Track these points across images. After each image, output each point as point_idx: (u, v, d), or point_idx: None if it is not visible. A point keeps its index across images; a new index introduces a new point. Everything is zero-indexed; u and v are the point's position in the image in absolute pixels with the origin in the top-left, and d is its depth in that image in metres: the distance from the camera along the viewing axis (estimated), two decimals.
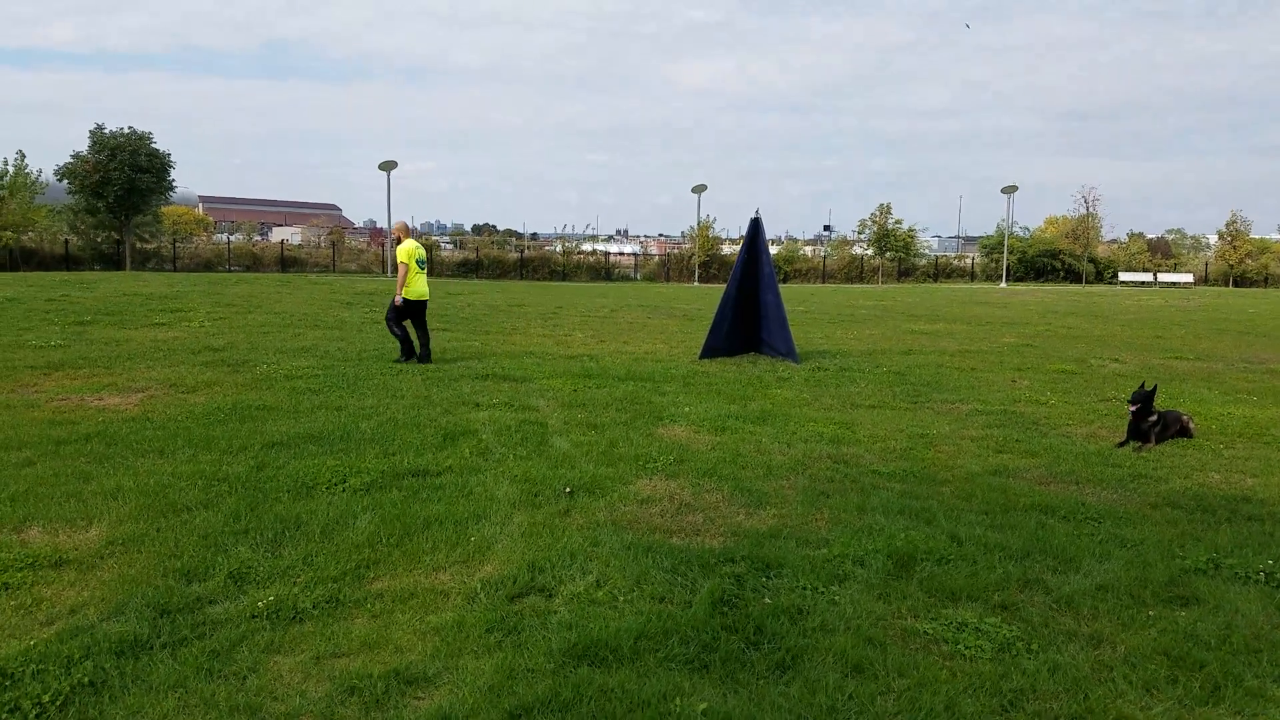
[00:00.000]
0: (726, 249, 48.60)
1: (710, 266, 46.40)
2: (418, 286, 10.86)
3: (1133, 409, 7.53)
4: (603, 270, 48.42)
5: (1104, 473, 6.65)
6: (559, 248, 51.79)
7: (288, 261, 43.11)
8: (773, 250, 59.29)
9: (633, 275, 48.66)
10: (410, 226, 12.23)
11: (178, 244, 41.21)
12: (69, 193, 35.53)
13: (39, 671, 3.20)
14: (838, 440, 7.45)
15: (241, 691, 3.20)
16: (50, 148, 63.70)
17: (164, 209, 46.84)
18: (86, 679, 3.18)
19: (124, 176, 34.01)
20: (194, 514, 4.98)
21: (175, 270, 37.10)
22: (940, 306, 26.06)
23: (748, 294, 12.94)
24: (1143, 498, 6.03)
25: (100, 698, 3.09)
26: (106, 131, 34.89)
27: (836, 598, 4.16)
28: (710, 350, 12.54)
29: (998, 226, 53.60)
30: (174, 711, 3.05)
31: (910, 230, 50.80)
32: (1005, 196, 49.69)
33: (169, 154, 36.06)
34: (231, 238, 54.89)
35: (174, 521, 4.85)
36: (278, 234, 66.56)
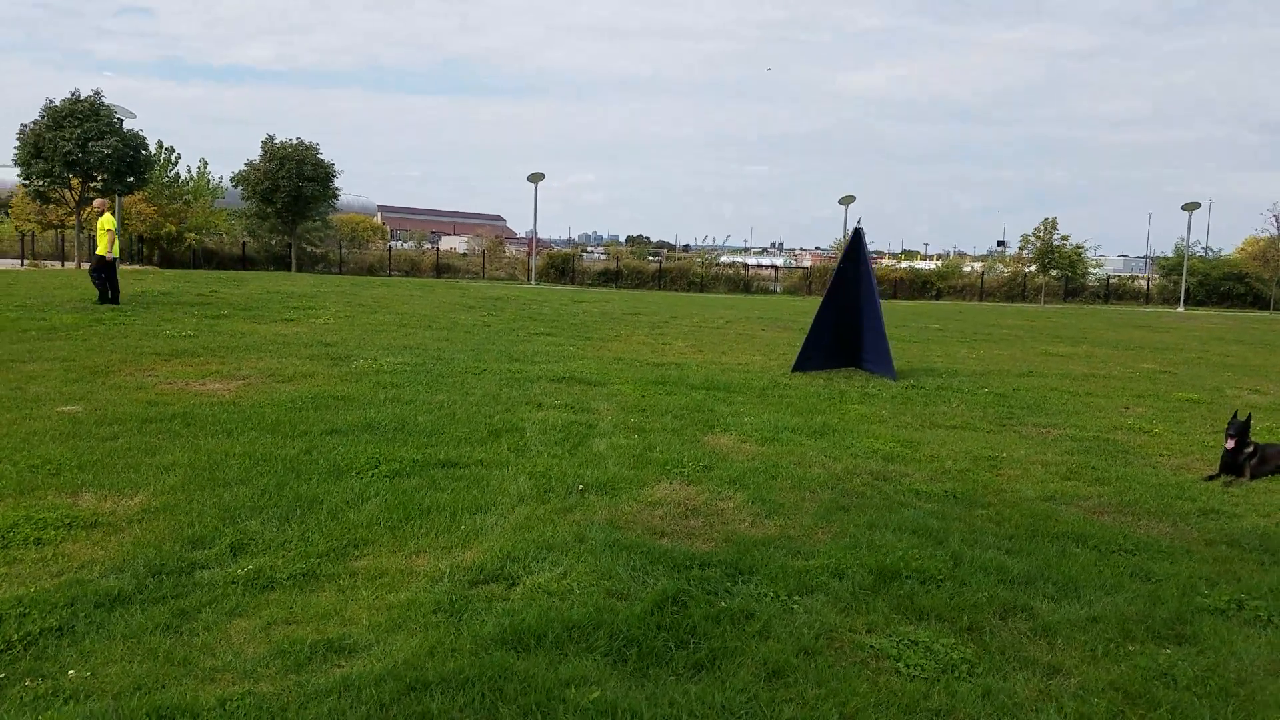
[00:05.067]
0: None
1: None
2: (116, 249, 15.49)
3: (1231, 443, 6.85)
4: (741, 282, 48.23)
5: (1172, 505, 6.11)
6: (700, 260, 52.01)
7: (442, 268, 45.57)
8: (930, 265, 57.77)
9: (773, 288, 48.22)
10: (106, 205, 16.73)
11: (344, 249, 44.38)
12: (242, 198, 39.00)
13: (22, 615, 3.62)
14: (891, 458, 7.19)
15: (184, 646, 3.50)
16: (241, 156, 70.00)
17: (343, 216, 50.71)
18: (57, 624, 3.57)
19: (291, 184, 36.97)
20: (229, 489, 5.43)
21: (341, 273, 39.98)
22: (1093, 329, 24.37)
23: (847, 307, 12.63)
24: (1201, 533, 5.51)
25: (61, 640, 3.46)
26: (277, 142, 38.05)
27: (795, 607, 4.08)
28: (803, 363, 12.31)
29: (1176, 246, 49.50)
30: (119, 657, 3.38)
31: (1077, 247, 47.53)
32: (1186, 214, 45.78)
33: (333, 164, 38.87)
34: (405, 244, 58.58)
35: (207, 494, 5.31)
36: (446, 242, 70.31)
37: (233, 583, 4.10)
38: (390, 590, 4.11)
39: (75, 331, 12.08)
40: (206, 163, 43.80)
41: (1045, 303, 44.16)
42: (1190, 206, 45.47)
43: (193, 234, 38.85)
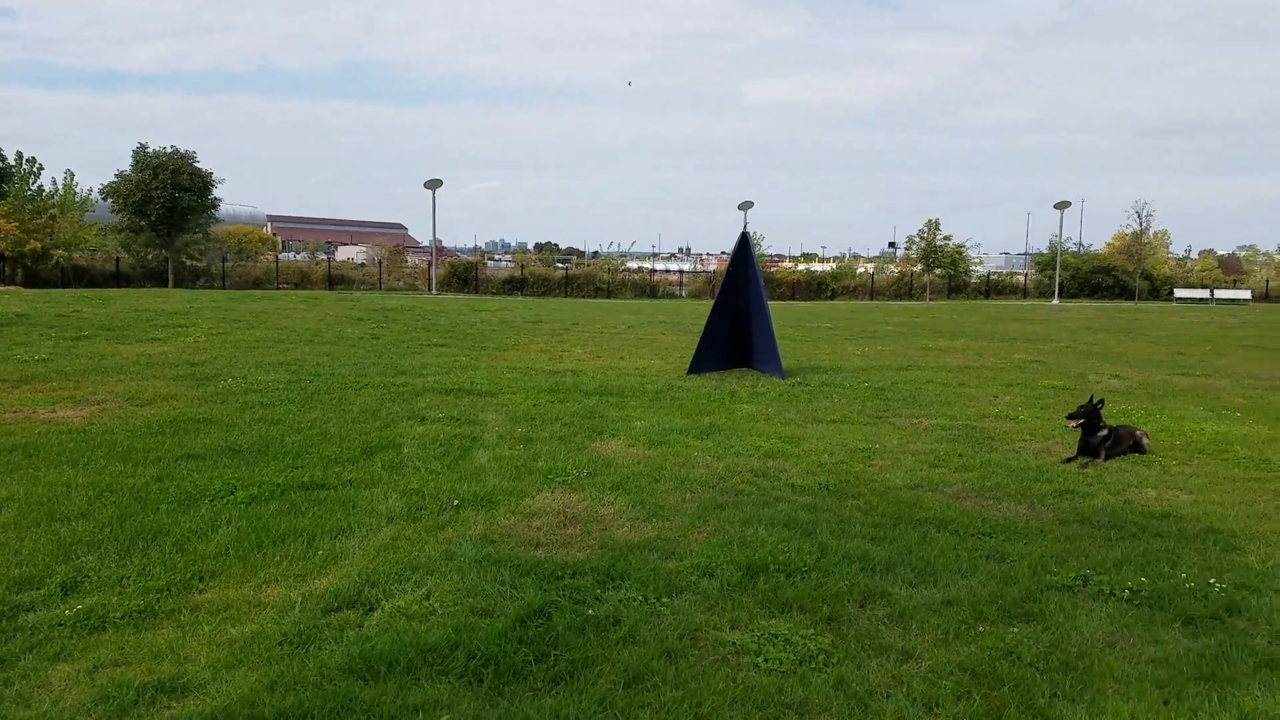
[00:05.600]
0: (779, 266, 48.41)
1: None
2: None
3: (1073, 424, 7.21)
4: (647, 287, 48.47)
5: (1031, 488, 6.37)
6: (606, 266, 52.04)
7: (335, 279, 44.14)
8: (827, 267, 59.36)
9: (678, 292, 48.61)
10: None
11: (226, 262, 42.49)
12: (112, 211, 36.88)
13: None
14: (772, 454, 7.27)
15: None
16: (119, 167, 66.04)
17: (229, 228, 48.50)
18: None
19: (166, 195, 35.15)
20: (66, 523, 5.06)
21: (224, 288, 38.30)
22: (972, 324, 25.44)
23: (737, 310, 12.80)
24: (1055, 513, 5.75)
25: None
26: (149, 151, 36.15)
27: (663, 609, 4.04)
28: (697, 365, 12.40)
29: (1050, 243, 52.27)
30: None
31: (958, 246, 49.60)
32: (1058, 212, 48.39)
33: (212, 172, 37.17)
34: (297, 256, 56.38)
35: (42, 530, 4.93)
36: (344, 253, 68.02)
37: (59, 625, 3.81)
38: (234, 624, 3.88)
39: None
40: (73, 174, 41.36)
41: (931, 300, 45.91)
42: (1061, 205, 48.10)
43: (60, 251, 36.55)
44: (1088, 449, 7.23)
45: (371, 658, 3.51)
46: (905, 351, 16.25)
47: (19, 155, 36.18)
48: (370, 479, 6.14)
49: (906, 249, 51.63)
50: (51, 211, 37.37)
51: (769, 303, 13.00)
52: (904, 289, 49.42)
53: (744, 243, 12.88)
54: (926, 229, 48.62)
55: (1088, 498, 6.15)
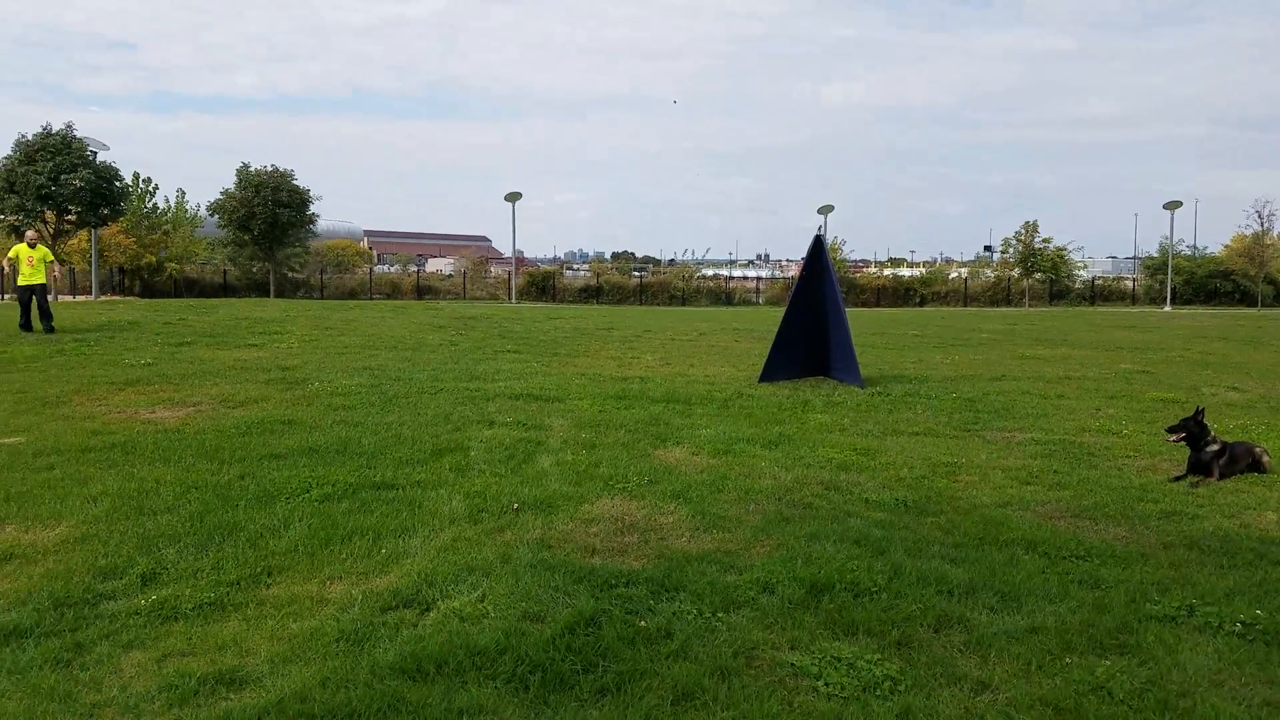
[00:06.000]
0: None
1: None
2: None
3: (1173, 439, 6.72)
4: (723, 294, 48.17)
5: (1133, 508, 5.95)
6: (681, 274, 51.99)
7: (423, 289, 45.36)
8: (915, 272, 57.74)
9: (755, 299, 48.13)
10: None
11: (324, 274, 44.16)
12: (219, 226, 38.82)
13: None
14: (846, 466, 7.03)
15: (70, 681, 3.33)
16: (216, 186, 69.54)
17: (329, 242, 50.56)
18: None
19: (267, 211, 36.77)
20: (153, 517, 5.25)
21: (321, 298, 39.76)
22: (1075, 331, 24.28)
23: (811, 315, 12.50)
24: (1159, 536, 5.35)
25: None
26: (251, 170, 37.88)
27: (718, 624, 3.91)
28: (769, 374, 12.16)
29: (1160, 245, 49.61)
30: (4, 692, 3.22)
31: (1059, 250, 47.51)
32: (1169, 213, 45.85)
33: (309, 189, 38.67)
34: (390, 268, 58.42)
35: (130, 523, 5.13)
36: (433, 264, 70.08)
37: (136, 614, 3.93)
38: (296, 619, 3.93)
39: (35, 363, 11.87)
40: (184, 192, 43.74)
41: (1030, 306, 44.15)
42: (1172, 205, 45.50)
43: (173, 264, 38.61)
44: (1198, 466, 6.73)
45: (422, 658, 3.49)
46: (999, 360, 15.59)
47: (135, 176, 38.36)
48: (437, 480, 6.19)
49: (1003, 252, 49.75)
50: (165, 227, 39.52)
51: (848, 309, 12.65)
52: (1000, 295, 47.63)
53: (818, 246, 12.57)
54: (1024, 231, 46.63)
55: (1197, 520, 5.71)
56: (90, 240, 34.63)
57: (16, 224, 31.56)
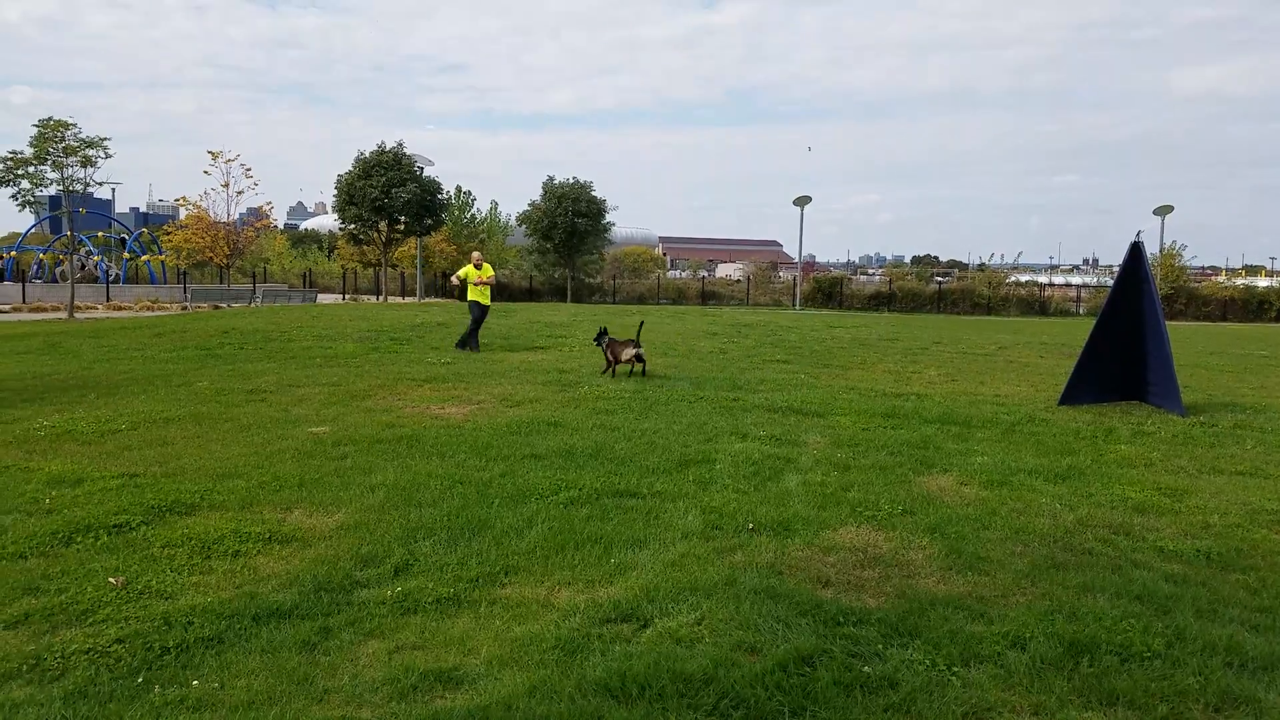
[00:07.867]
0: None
1: (1175, 300, 39.91)
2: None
3: None
4: (1036, 303, 44.31)
5: None
6: (987, 280, 48.53)
7: (708, 295, 46.40)
8: (1274, 282, 48.93)
9: (1075, 309, 43.73)
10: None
11: (616, 280, 46.77)
12: (525, 235, 42.53)
13: (189, 623, 3.97)
14: (1143, 508, 6.09)
15: (311, 664, 3.66)
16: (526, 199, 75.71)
17: (626, 249, 53.79)
18: (212, 634, 3.88)
19: (567, 221, 39.71)
20: (419, 509, 5.72)
21: (614, 302, 42.06)
22: None
23: (1125, 331, 11.02)
24: None
25: (208, 651, 3.74)
26: (555, 182, 41.07)
27: (952, 679, 3.50)
28: (1071, 396, 10.89)
29: None
30: (249, 670, 3.60)
31: None
32: None
33: (605, 200, 41.41)
34: (681, 273, 60.85)
35: (398, 514, 5.62)
36: (721, 270, 71.80)
37: (381, 604, 4.26)
38: (520, 622, 4.07)
39: (353, 360, 13.61)
40: (497, 204, 48.54)
41: None
42: None
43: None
44: None
45: (628, 678, 3.45)
46: None
47: (457, 189, 43.15)
48: (678, 492, 6.18)
49: None
50: (481, 236, 44.02)
51: (1181, 323, 10.97)
52: None
53: (1135, 254, 11.03)
54: None
55: None
56: (417, 247, 39.42)
57: (354, 232, 36.67)
